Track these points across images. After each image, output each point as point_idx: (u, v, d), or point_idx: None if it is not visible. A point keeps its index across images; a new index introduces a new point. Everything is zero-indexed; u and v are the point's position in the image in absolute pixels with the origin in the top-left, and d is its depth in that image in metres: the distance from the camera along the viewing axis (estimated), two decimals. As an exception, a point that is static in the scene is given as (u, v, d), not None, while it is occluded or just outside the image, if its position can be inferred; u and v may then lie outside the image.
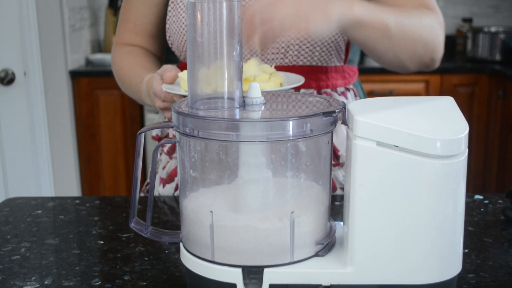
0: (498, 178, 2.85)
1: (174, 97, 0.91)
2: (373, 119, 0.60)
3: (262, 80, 0.91)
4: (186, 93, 0.89)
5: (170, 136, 1.17)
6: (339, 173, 1.11)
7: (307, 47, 1.06)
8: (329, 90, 1.12)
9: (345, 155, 0.67)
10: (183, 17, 1.09)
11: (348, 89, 1.17)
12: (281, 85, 0.93)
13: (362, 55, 2.22)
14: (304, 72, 1.08)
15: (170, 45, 1.16)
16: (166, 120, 1.17)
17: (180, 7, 1.09)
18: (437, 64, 1.05)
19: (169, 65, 0.97)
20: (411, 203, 0.60)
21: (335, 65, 1.12)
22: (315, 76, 1.10)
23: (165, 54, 1.25)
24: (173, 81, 0.93)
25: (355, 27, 0.90)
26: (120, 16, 1.21)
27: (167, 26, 1.13)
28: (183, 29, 1.09)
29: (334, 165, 1.10)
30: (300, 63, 1.08)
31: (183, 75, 0.90)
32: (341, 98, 1.13)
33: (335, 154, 1.10)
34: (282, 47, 1.05)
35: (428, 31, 0.99)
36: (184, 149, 0.63)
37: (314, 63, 1.09)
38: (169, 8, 1.12)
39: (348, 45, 1.12)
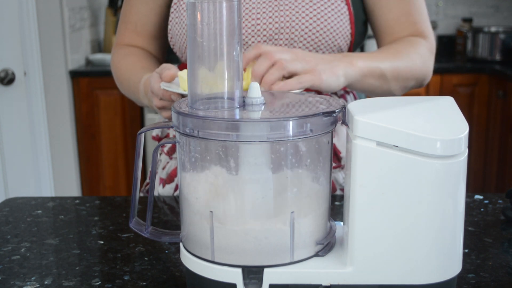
0: (498, 178, 2.85)
1: (172, 96, 0.90)
2: (373, 119, 0.60)
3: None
4: (184, 92, 0.88)
5: (171, 136, 1.17)
6: (339, 175, 1.11)
7: (310, 50, 1.06)
8: (329, 94, 1.12)
9: (345, 155, 0.67)
10: (186, 18, 1.08)
11: (347, 92, 1.16)
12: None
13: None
14: None
15: (172, 46, 1.15)
16: (166, 120, 1.17)
17: (183, 8, 1.09)
18: (427, 81, 1.17)
19: (168, 64, 0.96)
20: (411, 203, 0.60)
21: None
22: None
23: (165, 55, 1.24)
24: (172, 79, 0.93)
25: (358, 80, 1.00)
26: (121, 17, 1.21)
27: (169, 27, 1.13)
28: (186, 30, 1.08)
29: (335, 167, 1.10)
30: None
31: (183, 74, 0.90)
32: None
33: (336, 156, 1.09)
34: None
35: (420, 66, 1.10)
36: (184, 149, 0.64)
37: None
38: (172, 10, 1.12)
39: (350, 50, 1.12)
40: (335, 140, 1.09)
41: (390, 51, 1.08)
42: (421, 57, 1.09)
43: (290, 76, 0.92)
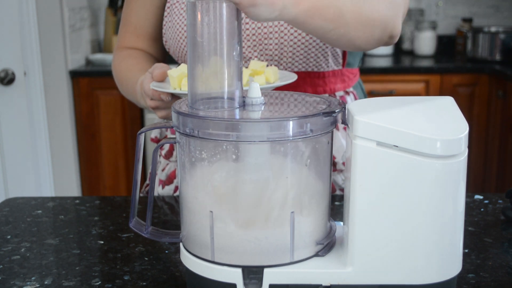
0: (498, 178, 2.85)
1: (162, 96, 0.89)
2: (373, 119, 0.60)
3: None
4: (174, 91, 0.87)
5: (169, 137, 1.16)
6: (338, 177, 1.11)
7: (301, 54, 1.05)
8: (326, 96, 1.11)
9: (345, 157, 0.67)
10: (178, 23, 1.08)
11: (347, 93, 1.15)
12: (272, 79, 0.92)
13: (363, 56, 2.22)
14: (300, 77, 1.06)
15: (167, 50, 1.15)
16: (166, 120, 1.17)
17: (175, 13, 1.09)
18: (396, 40, 0.97)
19: (160, 63, 0.96)
20: (411, 203, 0.60)
21: (333, 69, 1.10)
22: (311, 81, 1.09)
23: (166, 56, 1.24)
24: (162, 78, 0.92)
25: (301, 19, 0.81)
26: (121, 20, 1.21)
27: (163, 31, 1.13)
28: (179, 34, 1.08)
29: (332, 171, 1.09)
30: (295, 69, 1.07)
31: (172, 72, 0.89)
32: None
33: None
34: (276, 54, 1.04)
35: (388, 7, 0.92)
36: (184, 149, 0.63)
37: (309, 69, 1.08)
38: (165, 14, 1.12)
39: (344, 53, 1.11)
40: None
41: None
42: (388, 1, 0.92)
43: None
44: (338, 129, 1.10)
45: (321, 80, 1.09)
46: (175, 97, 0.89)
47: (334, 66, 1.10)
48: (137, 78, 1.06)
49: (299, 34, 1.03)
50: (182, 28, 1.07)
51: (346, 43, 0.91)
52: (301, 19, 0.80)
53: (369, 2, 0.89)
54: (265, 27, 1.03)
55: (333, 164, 1.09)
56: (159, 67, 0.93)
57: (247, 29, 1.04)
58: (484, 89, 2.86)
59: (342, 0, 0.85)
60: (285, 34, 1.03)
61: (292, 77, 0.93)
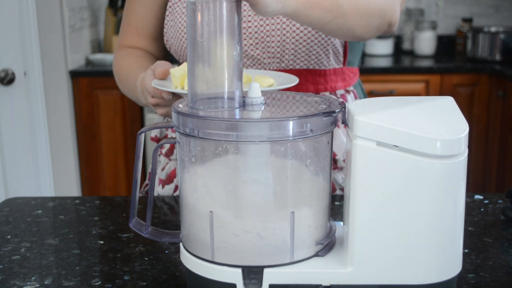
0: (498, 178, 2.85)
1: (163, 94, 0.89)
2: (373, 119, 0.60)
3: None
4: (175, 90, 0.87)
5: (169, 137, 1.16)
6: (338, 176, 1.11)
7: (303, 51, 1.05)
8: (327, 93, 1.12)
9: (345, 155, 0.67)
10: (180, 21, 1.08)
11: (348, 91, 1.16)
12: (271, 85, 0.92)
13: (363, 56, 2.22)
14: (302, 75, 1.07)
15: (168, 49, 1.16)
16: (166, 120, 1.17)
17: (177, 11, 1.09)
18: (395, 27, 0.99)
19: (162, 61, 0.96)
20: (411, 203, 0.60)
21: (333, 68, 1.11)
22: (313, 79, 1.09)
23: (167, 56, 1.24)
24: (164, 76, 0.92)
25: (301, 12, 0.82)
26: (123, 19, 1.21)
27: (164, 30, 1.13)
28: (180, 33, 1.08)
29: (332, 169, 1.09)
30: (297, 66, 1.07)
31: (175, 71, 0.89)
32: None
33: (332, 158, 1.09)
34: (278, 52, 1.05)
35: (385, 0, 0.93)
36: (184, 149, 0.63)
37: (311, 67, 1.08)
38: (167, 13, 1.12)
39: (346, 47, 1.11)
40: None
41: None
42: None
43: None
44: (338, 126, 1.10)
45: (322, 78, 1.10)
46: (176, 95, 0.89)
47: (335, 64, 1.11)
48: (137, 76, 1.06)
49: (301, 32, 1.03)
50: (184, 27, 1.08)
51: (345, 33, 0.91)
52: (301, 11, 0.81)
53: None
54: (267, 24, 1.04)
55: (334, 161, 1.09)
56: (161, 64, 0.93)
57: (250, 26, 1.04)
58: (484, 89, 2.86)
59: None
60: (287, 32, 1.03)
61: (293, 80, 0.93)
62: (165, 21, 1.13)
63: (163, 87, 0.88)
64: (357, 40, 0.99)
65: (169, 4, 1.11)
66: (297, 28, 1.03)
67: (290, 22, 1.03)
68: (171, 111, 0.92)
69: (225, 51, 0.63)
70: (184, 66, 0.90)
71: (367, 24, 0.92)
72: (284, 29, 1.03)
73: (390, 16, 0.95)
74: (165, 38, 1.14)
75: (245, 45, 1.05)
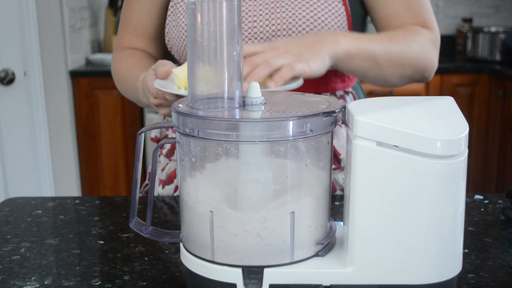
0: (498, 178, 2.85)
1: (166, 95, 0.89)
2: (373, 119, 0.60)
3: None
4: (178, 92, 0.87)
5: (169, 137, 1.16)
6: (339, 176, 1.11)
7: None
8: (328, 94, 1.12)
9: (345, 155, 0.67)
10: (183, 21, 1.08)
11: (347, 93, 1.16)
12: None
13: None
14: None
15: (169, 49, 1.15)
16: (166, 120, 1.17)
17: (180, 11, 1.09)
18: (430, 78, 1.11)
19: (163, 60, 0.96)
20: (411, 203, 0.60)
21: (334, 69, 1.11)
22: (313, 80, 1.09)
23: (167, 57, 1.24)
24: (166, 76, 0.92)
25: (344, 60, 0.96)
26: (121, 20, 1.21)
27: (166, 30, 1.13)
28: (183, 33, 1.08)
29: (335, 169, 1.09)
30: None
31: (177, 71, 0.89)
32: None
33: (336, 158, 1.09)
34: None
35: (417, 54, 1.04)
36: (184, 149, 0.63)
37: None
38: (169, 12, 1.12)
39: None
40: (334, 142, 1.08)
41: (385, 35, 1.05)
42: (420, 45, 1.05)
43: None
44: (340, 126, 1.11)
45: (322, 79, 1.10)
46: (179, 95, 0.89)
47: None
48: (137, 76, 1.06)
49: (307, 32, 1.03)
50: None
51: (382, 81, 1.06)
52: (344, 59, 0.96)
53: (401, 49, 1.03)
54: (273, 24, 1.04)
55: (338, 161, 1.09)
56: (163, 64, 0.93)
57: (255, 27, 1.05)
58: (484, 89, 2.86)
59: (373, 44, 1.00)
60: (293, 32, 1.04)
61: (298, 82, 0.94)
62: (167, 21, 1.13)
63: (165, 87, 0.88)
64: (392, 87, 1.17)
65: (171, 4, 1.11)
66: (303, 29, 1.03)
67: (296, 23, 1.03)
68: None
69: (225, 51, 0.63)
70: (186, 65, 0.90)
71: (400, 75, 1.05)
72: (290, 29, 1.04)
73: (424, 66, 1.07)
74: (166, 38, 1.14)
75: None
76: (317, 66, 0.91)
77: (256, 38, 1.04)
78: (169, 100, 0.90)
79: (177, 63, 1.19)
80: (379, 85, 1.09)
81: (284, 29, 1.03)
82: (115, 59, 1.18)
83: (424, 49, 1.06)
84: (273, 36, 1.04)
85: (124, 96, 1.21)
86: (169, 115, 0.95)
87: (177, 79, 0.88)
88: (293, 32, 1.03)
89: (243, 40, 1.05)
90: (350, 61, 0.97)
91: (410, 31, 1.06)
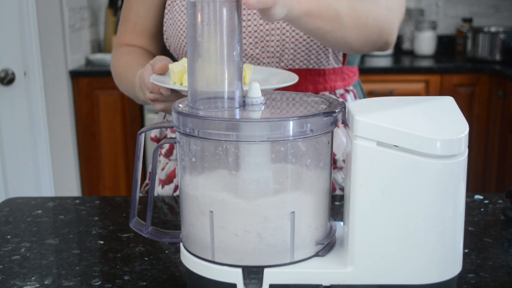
0: (498, 178, 2.85)
1: (161, 90, 0.88)
2: (373, 119, 0.60)
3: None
4: (173, 86, 0.87)
5: (169, 137, 1.16)
6: (338, 175, 1.11)
7: (303, 50, 1.05)
8: (327, 93, 1.12)
9: (345, 155, 0.67)
10: (179, 20, 1.08)
11: (347, 91, 1.16)
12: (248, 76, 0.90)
13: (362, 55, 2.21)
14: (301, 75, 1.07)
15: (167, 47, 1.16)
16: (166, 120, 1.17)
17: (176, 10, 1.09)
18: (391, 46, 1.01)
19: (161, 56, 0.96)
20: (411, 203, 0.60)
21: (333, 67, 1.11)
22: (312, 79, 1.09)
23: (166, 54, 1.24)
24: (164, 71, 0.92)
25: (303, 20, 0.84)
26: (121, 17, 1.21)
27: (164, 28, 1.13)
28: (180, 31, 1.08)
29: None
30: (296, 66, 1.07)
31: (174, 66, 0.89)
32: None
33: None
34: (277, 51, 1.05)
35: (384, 14, 0.95)
36: (184, 149, 0.63)
37: (310, 66, 1.08)
38: (166, 11, 1.12)
39: None
40: None
41: None
42: (387, 3, 0.96)
43: None
44: (338, 126, 1.11)
45: (321, 78, 1.10)
46: (174, 91, 0.89)
47: (334, 64, 1.10)
48: (134, 72, 1.06)
49: (301, 31, 1.03)
50: (183, 25, 1.08)
51: (343, 46, 0.95)
52: (303, 19, 0.84)
53: (366, 7, 0.93)
54: (267, 23, 1.04)
55: (333, 161, 1.09)
56: (161, 59, 0.93)
57: (249, 25, 1.04)
58: (484, 89, 2.86)
59: (339, 4, 0.88)
60: (287, 31, 1.03)
61: (293, 79, 0.93)
62: (164, 19, 1.13)
63: (162, 82, 0.88)
64: (353, 53, 1.02)
65: (168, 2, 1.12)
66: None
67: None
68: (170, 106, 0.92)
69: (225, 51, 0.63)
70: (183, 61, 0.90)
71: (364, 39, 0.94)
72: (283, 28, 1.03)
73: (388, 34, 0.97)
74: (165, 36, 1.14)
75: (245, 44, 1.05)
76: (279, 11, 0.76)
77: (250, 37, 1.04)
78: (164, 95, 0.90)
79: (175, 60, 1.19)
80: (340, 50, 1.00)
81: (278, 28, 1.03)
82: (115, 56, 1.18)
83: (390, 8, 0.97)
84: (266, 35, 1.04)
85: (124, 96, 1.21)
86: (165, 110, 0.94)
87: (173, 74, 0.89)
88: (287, 31, 1.03)
89: None
90: (310, 22, 0.86)
91: None
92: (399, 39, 3.30)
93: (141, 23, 1.17)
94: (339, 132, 1.10)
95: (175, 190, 1.12)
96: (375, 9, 0.94)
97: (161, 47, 1.22)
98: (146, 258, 0.79)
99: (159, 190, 1.15)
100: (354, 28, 0.92)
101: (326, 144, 0.64)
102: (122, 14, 1.21)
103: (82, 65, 2.94)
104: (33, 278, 0.74)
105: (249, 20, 1.05)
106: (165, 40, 1.15)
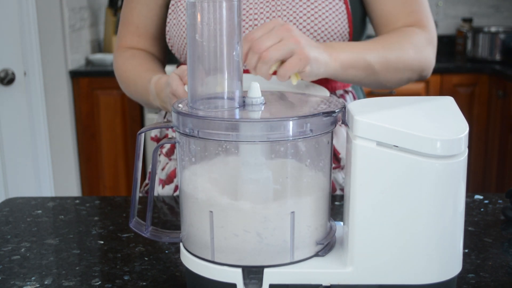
0: (498, 178, 2.85)
1: None
2: (373, 119, 0.60)
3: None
4: None
5: (169, 137, 1.16)
6: (339, 175, 1.11)
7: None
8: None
9: (345, 155, 0.67)
10: (183, 19, 1.08)
11: (347, 92, 1.16)
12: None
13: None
14: None
15: (170, 48, 1.15)
16: (166, 120, 1.17)
17: (180, 9, 1.09)
18: (428, 76, 1.11)
19: (185, 65, 0.96)
20: (411, 203, 0.60)
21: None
22: None
23: (167, 56, 1.24)
24: None
25: (338, 72, 0.95)
26: (121, 19, 1.20)
27: (167, 29, 1.13)
28: (183, 32, 1.08)
29: (335, 168, 1.09)
30: None
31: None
32: None
33: (335, 157, 1.09)
34: None
35: (413, 56, 1.05)
36: (184, 149, 0.63)
37: None
38: (170, 11, 1.12)
39: None
40: (334, 141, 1.08)
41: (379, 42, 1.05)
42: (414, 46, 1.05)
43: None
44: (340, 126, 1.11)
45: (322, 78, 1.10)
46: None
47: None
48: (146, 78, 1.06)
49: (308, 30, 1.04)
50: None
51: (378, 86, 1.08)
52: (339, 72, 0.95)
53: (396, 55, 1.03)
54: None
55: (337, 160, 1.09)
56: (185, 69, 0.93)
57: (256, 25, 1.05)
58: (484, 89, 2.86)
59: (369, 53, 0.99)
60: None
61: (324, 92, 0.96)
62: (168, 20, 1.13)
63: None
64: (390, 90, 1.15)
65: (172, 2, 1.11)
66: (304, 27, 1.03)
67: (297, 21, 1.03)
68: None
69: (225, 51, 0.63)
70: None
71: (398, 79, 1.06)
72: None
73: (421, 68, 1.07)
74: (167, 37, 1.14)
75: None
76: (314, 67, 0.89)
77: None
78: None
79: (178, 62, 1.19)
80: (377, 88, 1.11)
81: None
82: (119, 60, 1.17)
83: (419, 49, 1.06)
84: None
85: (124, 96, 1.21)
86: None
87: None
88: None
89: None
90: (346, 73, 0.97)
91: (404, 33, 1.06)
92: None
93: (143, 25, 1.17)
94: (343, 131, 1.10)
95: (175, 190, 1.12)
96: (404, 55, 1.03)
97: (163, 49, 1.22)
98: (146, 258, 0.79)
99: (159, 190, 1.14)
100: (386, 73, 1.03)
101: (326, 144, 0.64)
102: (122, 15, 1.20)
103: (82, 65, 2.94)
104: (33, 278, 0.74)
105: (255, 19, 1.05)
106: (167, 41, 1.14)
